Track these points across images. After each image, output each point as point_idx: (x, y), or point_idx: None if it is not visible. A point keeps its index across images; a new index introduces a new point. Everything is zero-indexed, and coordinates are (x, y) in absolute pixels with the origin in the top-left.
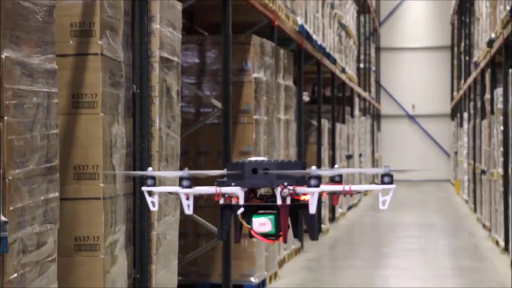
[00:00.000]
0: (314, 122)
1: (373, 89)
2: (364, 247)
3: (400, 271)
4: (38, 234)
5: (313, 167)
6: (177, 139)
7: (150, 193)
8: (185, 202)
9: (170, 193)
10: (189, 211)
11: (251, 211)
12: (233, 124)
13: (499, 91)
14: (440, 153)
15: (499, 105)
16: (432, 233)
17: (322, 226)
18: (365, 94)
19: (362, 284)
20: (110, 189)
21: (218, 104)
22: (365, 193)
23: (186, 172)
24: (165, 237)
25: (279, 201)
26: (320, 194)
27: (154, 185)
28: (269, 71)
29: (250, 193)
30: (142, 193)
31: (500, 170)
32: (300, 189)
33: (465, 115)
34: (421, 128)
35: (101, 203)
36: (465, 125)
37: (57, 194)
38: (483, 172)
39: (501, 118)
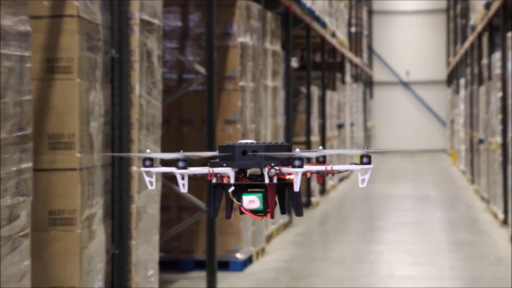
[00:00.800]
0: (303, 89)
1: (365, 54)
2: (355, 220)
3: (393, 245)
4: (10, 207)
5: (297, 150)
6: (158, 107)
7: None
8: (180, 182)
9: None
10: (184, 189)
11: (241, 189)
12: (217, 91)
13: (497, 55)
14: (436, 121)
15: (497, 71)
16: (427, 206)
17: (312, 199)
18: (356, 60)
19: (354, 259)
20: (87, 159)
21: (202, 70)
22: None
23: (181, 154)
24: (146, 211)
25: (266, 180)
26: (305, 174)
27: (152, 166)
28: (255, 35)
29: (241, 173)
30: (121, 163)
31: (499, 139)
32: (285, 169)
33: (462, 81)
34: (416, 96)
35: (77, 174)
36: (462, 92)
37: (30, 164)
38: (480, 141)
39: (499, 84)
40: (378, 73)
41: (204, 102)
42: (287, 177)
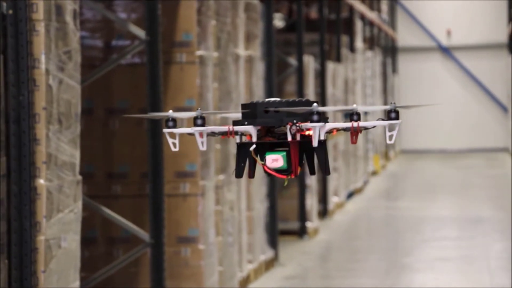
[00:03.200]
0: (293, 61)
1: (385, 7)
2: (372, 256)
3: None
4: None
5: (315, 104)
6: (76, 89)
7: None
8: (199, 140)
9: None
10: (203, 147)
11: (265, 148)
12: (164, 65)
13: None
14: (492, 106)
15: None
16: (480, 233)
17: (308, 224)
18: (372, 15)
19: None
20: None
21: (140, 33)
22: (375, 171)
23: (199, 112)
24: (60, 245)
25: (289, 138)
26: (331, 131)
27: (175, 127)
28: None
29: (267, 132)
30: (20, 174)
31: None
32: (304, 125)
33: None
34: (462, 67)
35: None
36: None
37: None
38: None
39: None
40: (405, 35)
41: (144, 82)
42: (307, 133)
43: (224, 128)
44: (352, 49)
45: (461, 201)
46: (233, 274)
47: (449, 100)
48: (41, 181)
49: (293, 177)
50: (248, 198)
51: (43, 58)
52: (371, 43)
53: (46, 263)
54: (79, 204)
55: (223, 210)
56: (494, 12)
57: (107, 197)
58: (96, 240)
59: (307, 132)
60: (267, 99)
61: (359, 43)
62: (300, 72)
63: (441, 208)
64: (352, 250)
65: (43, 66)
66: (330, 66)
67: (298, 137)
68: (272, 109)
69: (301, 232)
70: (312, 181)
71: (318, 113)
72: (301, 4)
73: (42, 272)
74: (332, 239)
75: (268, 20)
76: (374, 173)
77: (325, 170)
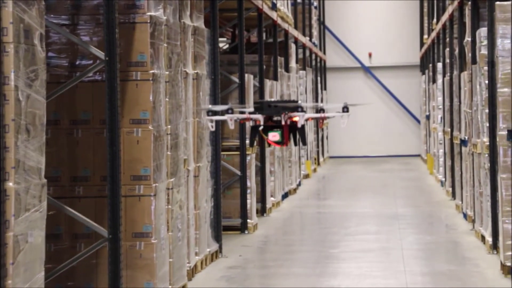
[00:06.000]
0: (235, 78)
1: (315, 32)
2: (304, 248)
3: (353, 279)
4: None
5: (299, 101)
6: (41, 103)
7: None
8: (230, 122)
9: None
10: (232, 127)
11: (268, 129)
12: (121, 82)
13: (482, 31)
14: (407, 118)
15: (483, 51)
16: (396, 227)
17: (249, 221)
18: (304, 40)
19: None
20: None
21: (101, 54)
22: (307, 175)
23: (230, 106)
24: (27, 240)
25: (282, 122)
26: (307, 119)
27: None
28: (171, 8)
29: (269, 119)
30: None
31: (486, 140)
32: (293, 114)
33: (439, 65)
34: (381, 85)
35: None
36: (439, 79)
37: None
38: (463, 142)
39: (485, 68)
40: (333, 57)
41: (103, 97)
42: (295, 117)
43: (244, 116)
44: (287, 68)
45: (380, 200)
46: (182, 265)
47: (371, 113)
48: (10, 184)
49: (285, 146)
50: (196, 198)
51: (12, 76)
52: (304, 63)
53: (15, 256)
54: (44, 204)
55: (173, 209)
56: (409, 37)
57: (71, 197)
58: (61, 236)
59: (293, 119)
60: (270, 99)
61: (293, 64)
62: (241, 88)
63: (364, 206)
64: (287, 243)
65: (12, 83)
66: (268, 83)
67: (288, 122)
68: (273, 105)
69: (242, 228)
70: (252, 183)
71: (301, 107)
72: (242, 29)
73: (11, 264)
74: (269, 234)
75: (214, 43)
76: (307, 176)
77: (304, 143)
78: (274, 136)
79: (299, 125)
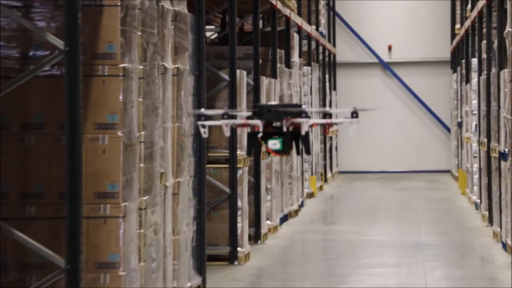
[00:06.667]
0: (225, 75)
1: (323, 20)
2: (307, 283)
3: None
4: None
5: (304, 106)
6: None
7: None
8: (225, 129)
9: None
10: (227, 134)
11: (268, 136)
12: (84, 78)
13: None
14: (434, 125)
15: None
16: (420, 259)
17: (239, 250)
18: (310, 29)
19: None
20: None
21: (59, 43)
22: (312, 194)
23: (226, 110)
24: None
25: (284, 129)
26: (312, 125)
27: (206, 120)
28: None
29: (268, 125)
30: None
31: None
32: (295, 120)
33: (474, 61)
34: (403, 85)
35: None
36: (474, 78)
37: None
38: (502, 156)
39: None
40: (344, 50)
41: (62, 95)
42: (298, 123)
43: (241, 121)
44: (288, 64)
45: (401, 225)
46: None
47: (390, 119)
48: None
49: (286, 156)
50: (174, 220)
51: None
52: (309, 58)
53: None
54: None
55: (147, 234)
56: (437, 27)
57: (21, 219)
58: (8, 266)
59: (297, 125)
60: (269, 103)
61: (295, 58)
62: (232, 87)
63: (380, 232)
64: (285, 277)
65: None
66: (265, 81)
67: (290, 129)
68: (273, 109)
69: (231, 258)
70: (243, 203)
71: (306, 112)
72: (234, 15)
73: None
74: (264, 266)
75: (199, 32)
76: (311, 195)
77: (308, 152)
78: (274, 144)
79: (302, 132)
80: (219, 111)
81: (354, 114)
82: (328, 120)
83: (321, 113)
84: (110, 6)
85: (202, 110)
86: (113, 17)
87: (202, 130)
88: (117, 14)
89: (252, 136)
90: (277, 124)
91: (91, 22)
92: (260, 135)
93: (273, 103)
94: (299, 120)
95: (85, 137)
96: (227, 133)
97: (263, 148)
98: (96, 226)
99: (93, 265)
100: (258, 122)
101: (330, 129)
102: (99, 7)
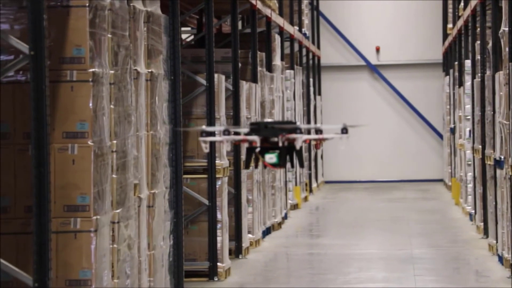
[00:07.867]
0: (202, 80)
1: (306, 20)
2: None
3: None
4: None
5: (298, 123)
6: None
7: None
8: (225, 144)
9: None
10: (228, 149)
11: (265, 150)
12: (52, 84)
13: None
14: (425, 131)
15: None
16: (411, 274)
17: (218, 265)
18: (292, 30)
19: None
20: None
21: (24, 47)
22: (296, 205)
23: (226, 127)
24: None
25: (280, 144)
26: (305, 141)
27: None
28: None
29: (266, 141)
30: None
31: None
32: (290, 136)
33: (467, 63)
34: (392, 88)
35: None
36: (468, 81)
37: None
38: (498, 163)
39: None
40: (329, 52)
41: (28, 103)
42: (293, 139)
43: (240, 137)
44: (269, 67)
45: (390, 238)
46: None
47: (379, 125)
48: None
49: (282, 168)
50: (150, 234)
51: None
52: (291, 61)
53: None
54: None
55: (120, 249)
56: (428, 27)
57: None
58: None
59: (291, 141)
60: (265, 120)
61: (277, 61)
62: (210, 92)
63: (368, 245)
64: None
65: None
66: (245, 86)
67: (285, 144)
68: (270, 126)
69: (211, 274)
70: (223, 215)
71: (300, 128)
72: (211, 15)
73: None
74: (245, 282)
75: (174, 34)
76: (295, 206)
77: (302, 165)
78: (271, 158)
79: (297, 147)
80: (220, 128)
81: (344, 130)
82: (320, 136)
83: (311, 129)
84: (77, 7)
85: (204, 126)
86: (81, 18)
87: (203, 145)
88: (85, 16)
89: (250, 150)
90: (274, 139)
91: (58, 24)
92: (257, 150)
93: (269, 120)
94: (293, 135)
95: (53, 147)
96: (228, 148)
97: (260, 162)
98: (66, 241)
99: (63, 283)
100: (255, 138)
101: (320, 146)
102: (66, 8)
